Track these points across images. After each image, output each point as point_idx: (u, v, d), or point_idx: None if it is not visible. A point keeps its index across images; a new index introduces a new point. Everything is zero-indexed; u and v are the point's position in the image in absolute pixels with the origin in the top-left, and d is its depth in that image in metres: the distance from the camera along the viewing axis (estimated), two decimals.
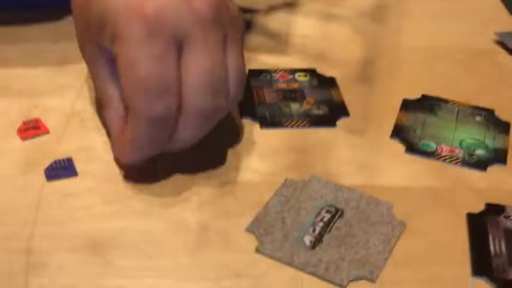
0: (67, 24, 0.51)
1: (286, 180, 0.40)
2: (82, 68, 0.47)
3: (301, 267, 0.35)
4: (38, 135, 0.41)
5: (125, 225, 0.37)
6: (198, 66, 0.36)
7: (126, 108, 0.38)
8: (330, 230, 0.37)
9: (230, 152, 0.42)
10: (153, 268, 0.35)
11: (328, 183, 0.40)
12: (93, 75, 0.40)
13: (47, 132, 0.42)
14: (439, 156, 0.43)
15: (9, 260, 0.34)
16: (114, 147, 0.40)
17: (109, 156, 0.41)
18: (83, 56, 0.40)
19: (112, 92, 0.39)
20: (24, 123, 0.42)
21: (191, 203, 0.38)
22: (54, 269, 0.34)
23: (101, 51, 0.38)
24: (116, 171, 0.40)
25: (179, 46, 0.36)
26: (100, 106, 0.42)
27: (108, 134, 0.41)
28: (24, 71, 0.47)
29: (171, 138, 0.37)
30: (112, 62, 0.38)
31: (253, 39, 0.53)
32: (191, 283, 0.34)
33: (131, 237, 0.36)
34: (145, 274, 0.34)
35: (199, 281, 0.34)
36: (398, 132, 0.45)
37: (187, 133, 0.37)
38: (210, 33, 0.36)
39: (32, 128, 0.42)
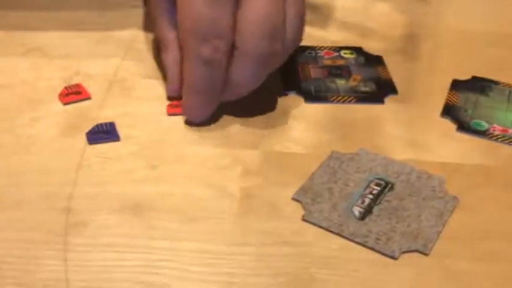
0: None
1: (333, 152, 0.39)
2: (125, 37, 0.47)
3: (350, 237, 0.34)
4: (79, 100, 0.41)
5: (168, 189, 0.36)
6: (256, 9, 0.35)
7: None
8: (379, 203, 0.36)
9: (274, 124, 0.41)
10: (195, 231, 0.33)
11: (377, 156, 0.39)
12: (153, 18, 0.42)
13: (88, 97, 0.41)
14: (491, 135, 0.41)
15: (49, 219, 0.33)
16: (168, 88, 0.41)
17: (152, 122, 0.40)
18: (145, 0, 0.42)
19: (171, 36, 0.40)
20: (66, 88, 0.41)
21: (236, 171, 0.37)
22: (94, 229, 0.33)
23: None
24: (159, 137, 0.39)
25: None
26: (158, 50, 0.42)
27: (155, 104, 0.41)
28: (66, 39, 0.47)
29: (227, 82, 0.37)
30: (172, 4, 0.39)
31: None
32: (234, 248, 0.33)
33: (173, 200, 0.35)
34: (186, 237, 0.33)
35: (242, 246, 0.33)
36: (449, 111, 0.43)
37: (243, 77, 0.37)
38: None
39: (73, 93, 0.41)
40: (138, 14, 0.50)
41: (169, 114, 0.40)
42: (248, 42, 0.36)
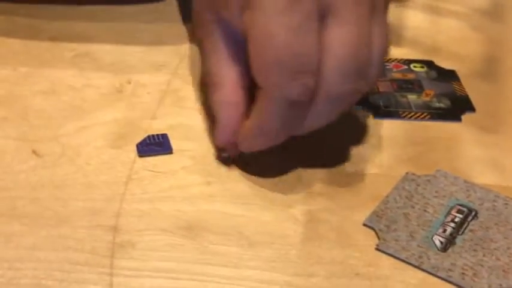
0: (160, 6, 0.48)
1: (407, 173, 0.35)
2: (177, 48, 0.44)
3: (432, 271, 0.29)
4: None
5: (224, 208, 0.32)
6: (341, 41, 0.30)
7: (243, 90, 0.33)
8: (463, 232, 0.32)
9: (342, 142, 0.37)
10: (255, 258, 0.29)
11: (457, 180, 0.35)
12: (205, 51, 0.35)
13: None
14: None
15: (94, 238, 0.30)
16: (218, 135, 0.34)
17: (207, 135, 0.36)
18: (196, 30, 0.36)
19: (225, 73, 0.34)
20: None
21: (301, 192, 0.33)
22: (143, 251, 0.29)
23: (219, 22, 0.34)
24: (215, 151, 0.35)
25: (322, 16, 0.30)
26: (205, 87, 0.37)
27: (210, 117, 0.37)
28: (116, 47, 0.44)
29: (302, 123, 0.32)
30: (229, 36, 0.33)
31: None
32: (299, 278, 0.29)
33: (231, 221, 0.31)
34: (246, 264, 0.29)
35: (308, 277, 0.29)
36: None
37: (318, 118, 0.32)
38: (358, 0, 0.31)
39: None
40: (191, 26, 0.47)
41: None
42: (332, 81, 0.30)
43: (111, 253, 0.29)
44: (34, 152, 0.35)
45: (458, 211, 0.33)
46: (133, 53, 0.43)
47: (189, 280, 0.28)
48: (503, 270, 0.30)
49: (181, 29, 0.46)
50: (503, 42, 0.49)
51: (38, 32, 0.44)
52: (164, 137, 0.36)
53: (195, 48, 0.44)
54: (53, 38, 0.44)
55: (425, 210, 0.33)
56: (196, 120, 0.38)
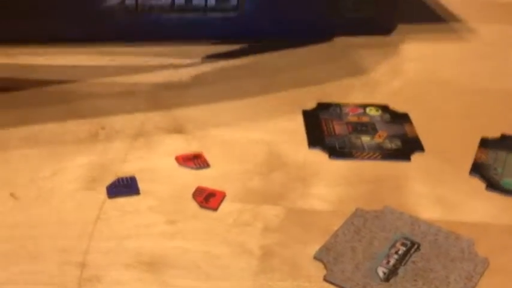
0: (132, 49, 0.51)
1: (357, 210, 0.38)
2: (151, 90, 0.47)
3: None
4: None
5: (185, 245, 0.35)
6: None
7: None
8: (405, 263, 0.34)
9: (297, 179, 0.40)
10: None
11: (403, 215, 0.37)
12: None
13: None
14: None
15: (64, 273, 0.32)
16: None
17: (173, 177, 0.39)
18: None
19: None
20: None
21: (256, 228, 0.36)
22: (108, 285, 0.32)
23: None
24: (179, 192, 0.38)
25: None
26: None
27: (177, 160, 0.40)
28: (92, 92, 0.47)
29: None
30: None
31: (323, 72, 0.52)
32: None
33: (191, 257, 0.34)
34: None
35: None
36: (478, 169, 0.42)
37: None
38: None
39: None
40: (167, 69, 0.50)
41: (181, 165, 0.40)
42: None
43: (79, 287, 0.32)
44: (12, 195, 0.38)
45: (402, 244, 0.36)
46: (108, 99, 0.47)
47: None
48: None
49: (154, 71, 0.50)
50: (454, 82, 0.52)
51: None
52: (132, 179, 0.38)
53: (166, 89, 0.48)
54: (33, 83, 0.47)
55: (371, 244, 0.35)
56: (163, 162, 0.41)
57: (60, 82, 0.48)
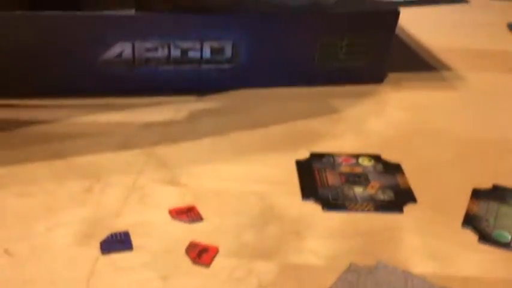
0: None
1: (351, 265, 0.38)
2: (148, 143, 0.48)
3: None
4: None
5: None
6: None
7: None
8: None
9: (291, 233, 0.40)
10: None
11: (395, 270, 0.38)
12: None
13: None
14: None
15: None
16: None
17: (166, 231, 0.40)
18: None
19: None
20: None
21: (249, 284, 0.36)
22: None
23: None
24: (172, 247, 0.38)
25: None
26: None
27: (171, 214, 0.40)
28: (88, 146, 0.48)
29: None
30: None
31: (316, 121, 0.53)
32: None
33: None
34: None
35: None
36: (470, 221, 0.42)
37: None
38: None
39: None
40: (162, 121, 0.51)
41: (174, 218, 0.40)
42: None
43: None
44: (6, 251, 0.38)
45: None
46: (103, 153, 0.47)
47: None
48: None
49: (150, 125, 0.50)
50: (445, 132, 0.53)
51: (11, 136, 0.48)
52: (126, 234, 0.39)
53: (164, 142, 0.48)
54: (29, 139, 0.48)
55: None
56: (157, 217, 0.41)
57: (56, 136, 0.48)
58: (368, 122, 0.53)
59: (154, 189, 0.43)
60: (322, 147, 0.49)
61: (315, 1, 0.54)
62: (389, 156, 0.49)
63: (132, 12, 0.50)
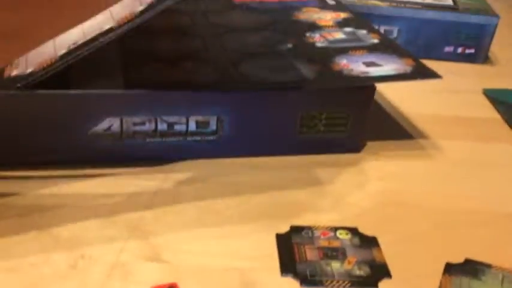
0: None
1: None
2: (131, 218, 0.49)
3: None
4: None
5: None
6: None
7: None
8: None
9: None
10: None
11: None
12: None
13: None
14: None
15: None
16: None
17: None
18: None
19: None
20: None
21: None
22: None
23: None
24: None
25: None
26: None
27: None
28: (74, 220, 0.49)
29: None
30: None
31: (295, 192, 0.55)
32: None
33: None
34: None
35: None
36: None
37: None
38: None
39: None
40: (147, 191, 0.53)
41: None
42: None
43: None
44: None
45: None
46: (89, 227, 0.49)
47: None
48: None
49: (136, 198, 0.52)
50: (419, 205, 0.55)
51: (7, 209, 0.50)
52: None
53: (148, 217, 0.50)
54: (18, 213, 0.49)
55: None
56: None
57: (43, 208, 0.50)
58: (347, 193, 0.55)
59: (136, 266, 0.45)
60: (302, 219, 0.51)
61: (295, 78, 0.57)
62: (366, 228, 0.50)
63: (120, 90, 0.52)
